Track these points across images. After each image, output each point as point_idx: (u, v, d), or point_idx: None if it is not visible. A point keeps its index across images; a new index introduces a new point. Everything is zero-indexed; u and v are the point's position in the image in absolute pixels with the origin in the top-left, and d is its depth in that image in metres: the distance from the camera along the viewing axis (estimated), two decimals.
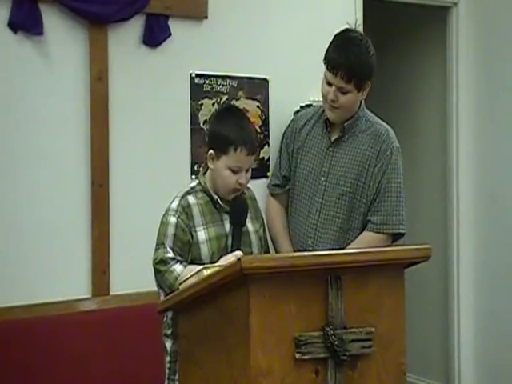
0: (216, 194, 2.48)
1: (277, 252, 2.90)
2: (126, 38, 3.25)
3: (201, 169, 2.61)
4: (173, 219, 2.41)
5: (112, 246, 3.20)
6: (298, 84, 3.63)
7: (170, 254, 2.37)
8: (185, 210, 2.42)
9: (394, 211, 2.76)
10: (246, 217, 2.50)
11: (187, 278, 2.16)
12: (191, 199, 2.46)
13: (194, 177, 3.29)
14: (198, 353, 2.08)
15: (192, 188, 2.51)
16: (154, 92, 3.32)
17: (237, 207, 2.48)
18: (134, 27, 3.26)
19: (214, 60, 3.46)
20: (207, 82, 3.43)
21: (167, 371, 2.47)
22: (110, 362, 3.11)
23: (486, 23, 4.29)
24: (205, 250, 2.42)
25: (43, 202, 3.09)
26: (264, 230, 2.71)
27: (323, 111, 2.85)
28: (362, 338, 1.93)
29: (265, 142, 3.59)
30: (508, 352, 4.13)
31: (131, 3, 3.18)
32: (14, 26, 3.01)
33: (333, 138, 2.83)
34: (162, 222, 2.44)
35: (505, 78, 4.18)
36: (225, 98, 3.48)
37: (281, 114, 3.54)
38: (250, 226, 2.54)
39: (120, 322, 3.18)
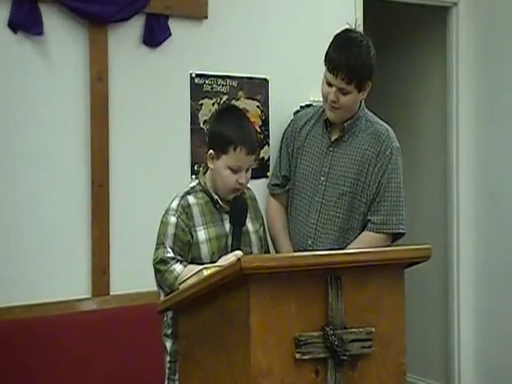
0: (216, 193, 2.48)
1: (277, 252, 2.89)
2: (126, 38, 3.25)
3: (201, 169, 2.60)
4: (173, 219, 2.40)
5: (112, 246, 3.20)
6: (297, 84, 3.63)
7: (170, 254, 2.37)
8: (185, 209, 2.42)
9: (393, 211, 2.76)
10: (246, 217, 2.50)
11: (187, 278, 2.16)
12: (191, 199, 2.46)
13: (193, 177, 3.29)
14: (198, 353, 2.08)
15: (192, 188, 2.51)
16: (153, 92, 3.32)
17: (237, 207, 2.48)
18: (134, 27, 3.26)
19: (214, 60, 3.46)
20: (207, 82, 3.43)
21: (167, 371, 2.47)
22: (109, 362, 3.11)
23: (486, 23, 4.29)
24: (205, 249, 2.42)
25: (43, 202, 3.09)
26: (264, 229, 2.71)
27: (323, 111, 2.85)
28: (362, 338, 1.93)
29: (265, 141, 3.59)
30: (508, 352, 4.13)
31: (131, 3, 3.19)
32: (14, 25, 3.02)
33: (333, 138, 2.83)
34: (162, 221, 2.44)
35: (505, 78, 4.18)
36: (225, 98, 3.48)
37: (281, 114, 3.54)
38: (249, 225, 2.54)
39: (120, 322, 3.18)
